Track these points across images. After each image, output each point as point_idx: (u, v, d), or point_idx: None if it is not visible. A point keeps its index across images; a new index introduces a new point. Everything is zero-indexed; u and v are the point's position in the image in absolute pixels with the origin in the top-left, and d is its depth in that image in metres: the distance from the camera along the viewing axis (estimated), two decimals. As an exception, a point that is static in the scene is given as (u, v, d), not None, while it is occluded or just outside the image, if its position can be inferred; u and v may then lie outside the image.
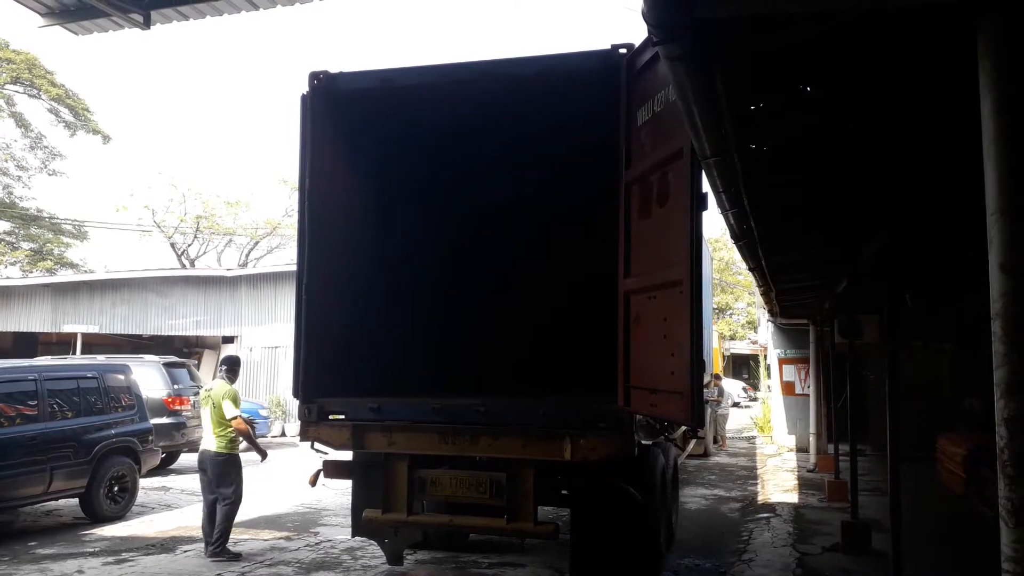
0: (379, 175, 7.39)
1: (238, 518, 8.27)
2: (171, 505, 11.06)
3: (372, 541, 7.41)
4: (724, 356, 32.77)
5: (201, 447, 8.17)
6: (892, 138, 4.57)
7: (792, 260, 8.21)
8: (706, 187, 4.90)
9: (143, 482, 10.89)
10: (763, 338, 22.80)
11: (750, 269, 9.11)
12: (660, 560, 7.14)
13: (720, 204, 5.29)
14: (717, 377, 18.57)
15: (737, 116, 3.90)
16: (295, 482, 11.94)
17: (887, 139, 4.59)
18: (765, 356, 22.75)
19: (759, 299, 15.84)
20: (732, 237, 6.68)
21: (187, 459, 15.60)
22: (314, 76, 6.58)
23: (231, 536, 8.06)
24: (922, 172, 5.06)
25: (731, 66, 3.44)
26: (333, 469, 6.92)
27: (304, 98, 6.59)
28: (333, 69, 6.62)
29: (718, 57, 3.30)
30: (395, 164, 7.54)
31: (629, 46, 5.70)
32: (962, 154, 4.22)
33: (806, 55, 3.47)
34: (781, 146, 4.78)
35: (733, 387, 28.98)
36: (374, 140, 7.20)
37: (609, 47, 5.84)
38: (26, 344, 23.31)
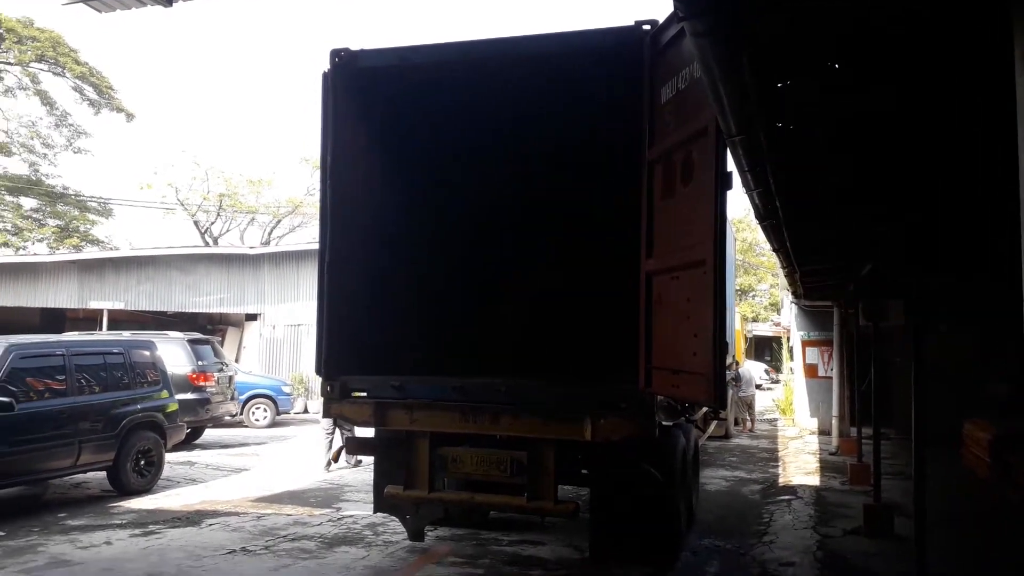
0: (401, 153, 7.37)
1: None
2: (196, 479, 11.21)
3: (394, 517, 7.47)
4: (747, 338, 32.57)
5: None
6: (921, 118, 4.48)
7: (817, 241, 8.13)
8: (730, 166, 4.85)
9: (168, 456, 11.04)
10: (786, 320, 22.63)
11: (774, 250, 9.03)
12: (680, 540, 7.15)
13: (745, 183, 5.23)
14: (736, 364, 18.44)
15: (763, 93, 3.85)
16: (318, 458, 12.06)
17: (917, 119, 4.51)
18: (788, 338, 22.60)
19: (783, 280, 15.70)
20: (756, 217, 6.62)
21: (211, 434, 15.82)
22: (335, 54, 6.56)
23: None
24: (953, 153, 4.97)
25: (757, 42, 3.38)
26: (355, 446, 6.98)
27: (325, 76, 6.58)
28: (355, 46, 6.59)
29: (744, 33, 3.25)
30: (417, 141, 7.51)
31: (653, 22, 5.64)
32: (995, 137, 4.16)
33: (833, 32, 3.41)
34: (808, 125, 4.71)
35: (756, 369, 28.78)
36: (396, 118, 7.17)
37: (633, 23, 5.77)
38: (53, 320, 23.64)
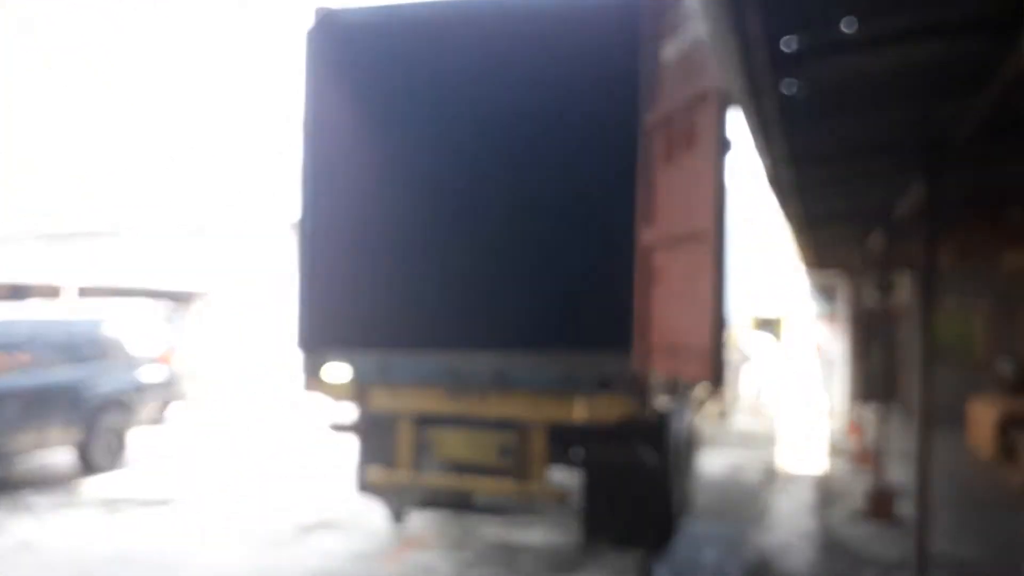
0: (386, 115, 7.03)
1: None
2: (167, 458, 10.86)
3: (376, 500, 7.20)
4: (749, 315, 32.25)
5: None
6: (934, 83, 4.22)
7: (824, 211, 7.87)
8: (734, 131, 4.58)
9: (138, 435, 10.65)
10: (791, 296, 22.37)
11: (782, 219, 8.73)
12: (675, 524, 6.89)
13: (751, 149, 4.96)
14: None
15: (770, 55, 3.61)
16: (297, 438, 11.82)
17: (929, 84, 4.25)
18: (792, 315, 22.36)
19: (789, 253, 15.42)
20: (765, 184, 6.35)
21: (182, 411, 15.41)
22: (318, 11, 6.31)
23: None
24: (963, 121, 4.69)
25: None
26: (336, 425, 6.73)
27: (308, 34, 6.36)
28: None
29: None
30: (403, 103, 7.15)
31: (655, -22, 5.31)
32: (1007, 102, 3.91)
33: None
34: (815, 88, 4.42)
35: (763, 344, 28.45)
36: (380, 78, 6.84)
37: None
38: (18, 294, 23.30)
